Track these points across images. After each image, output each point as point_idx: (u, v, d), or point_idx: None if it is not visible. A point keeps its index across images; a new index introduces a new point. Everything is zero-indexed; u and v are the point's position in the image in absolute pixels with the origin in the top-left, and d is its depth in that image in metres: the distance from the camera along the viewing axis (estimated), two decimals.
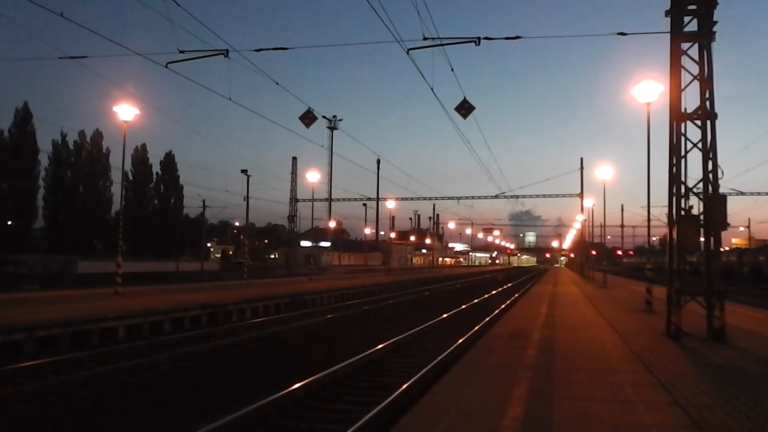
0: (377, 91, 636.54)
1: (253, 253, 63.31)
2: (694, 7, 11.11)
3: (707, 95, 10.96)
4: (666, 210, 11.47)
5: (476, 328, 16.28)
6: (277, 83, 21.34)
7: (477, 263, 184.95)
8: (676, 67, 11.13)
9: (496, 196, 56.80)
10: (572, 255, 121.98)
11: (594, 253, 62.92)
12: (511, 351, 9.69)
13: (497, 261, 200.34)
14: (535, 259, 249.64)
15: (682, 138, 11.17)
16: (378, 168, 56.51)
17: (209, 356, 12.29)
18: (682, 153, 11.15)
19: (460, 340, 13.83)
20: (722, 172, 10.86)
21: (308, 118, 21.38)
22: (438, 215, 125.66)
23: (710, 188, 10.86)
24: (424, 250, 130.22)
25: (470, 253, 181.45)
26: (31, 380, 9.65)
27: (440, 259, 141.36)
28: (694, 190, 11.05)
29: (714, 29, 10.96)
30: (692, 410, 5.92)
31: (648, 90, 15.33)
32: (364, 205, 68.17)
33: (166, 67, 17.02)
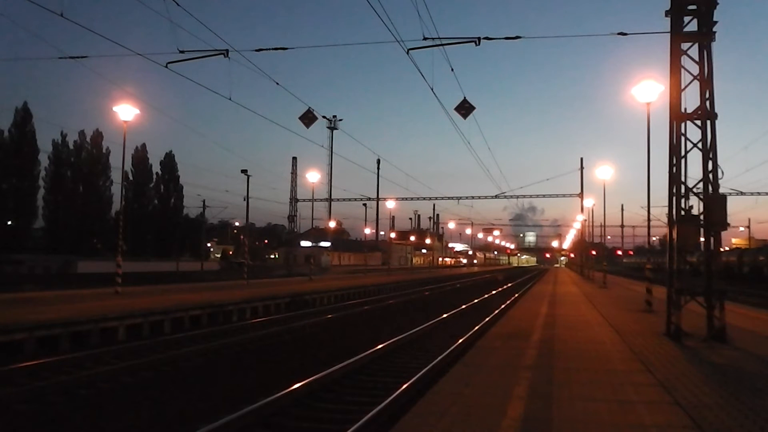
0: (377, 91, 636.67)
1: (253, 253, 63.33)
2: (694, 7, 11.09)
3: (707, 95, 10.96)
4: (666, 210, 11.47)
5: (476, 328, 16.29)
6: (277, 83, 21.50)
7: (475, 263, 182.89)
8: (676, 67, 11.12)
9: (496, 196, 56.72)
10: (572, 255, 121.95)
11: (594, 253, 62.92)
12: (511, 351, 9.68)
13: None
14: (535, 259, 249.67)
15: (682, 138, 11.16)
16: (378, 168, 56.49)
17: (209, 356, 12.29)
18: (682, 153, 11.14)
19: (460, 341, 13.83)
20: (722, 172, 10.86)
21: (308, 118, 21.40)
22: (438, 215, 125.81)
23: (710, 188, 10.85)
24: (424, 250, 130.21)
25: (469, 253, 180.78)
26: (31, 380, 9.65)
27: (440, 259, 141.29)
28: (694, 190, 11.05)
29: (714, 29, 10.95)
30: (692, 410, 5.92)
31: (648, 90, 15.32)
32: (364, 205, 68.33)
33: (166, 67, 17.03)
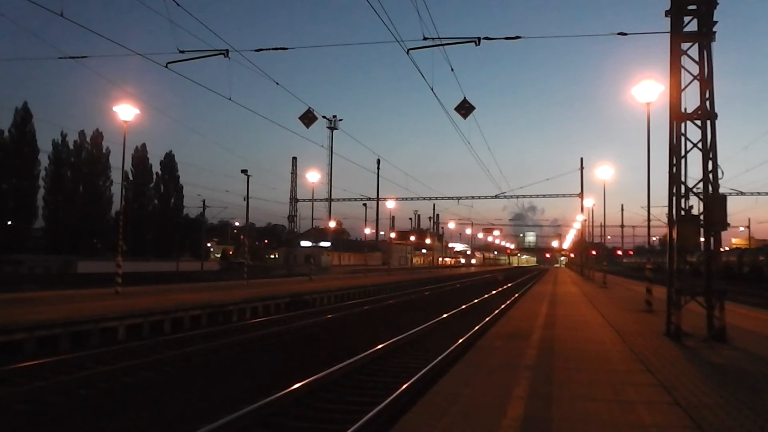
0: (377, 91, 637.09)
1: (253, 253, 63.30)
2: (694, 7, 11.09)
3: (707, 95, 10.95)
4: (666, 210, 11.47)
5: (476, 328, 16.28)
6: (277, 83, 21.54)
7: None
8: (676, 67, 11.12)
9: (496, 196, 56.78)
10: (572, 255, 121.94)
11: (594, 253, 62.92)
12: (511, 351, 9.68)
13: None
14: (535, 259, 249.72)
15: (682, 138, 11.16)
16: (378, 168, 56.50)
17: (209, 356, 12.29)
18: (682, 153, 11.14)
19: (460, 341, 13.82)
20: (722, 172, 10.85)
21: (308, 118, 21.42)
22: (438, 215, 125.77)
23: (710, 188, 10.85)
24: (424, 250, 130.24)
25: (468, 253, 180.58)
26: (31, 380, 9.65)
27: (440, 259, 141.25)
28: (694, 190, 11.05)
29: (714, 29, 10.95)
30: (692, 410, 5.92)
31: (648, 90, 15.32)
32: (364, 205, 68.27)
33: (166, 67, 17.04)
